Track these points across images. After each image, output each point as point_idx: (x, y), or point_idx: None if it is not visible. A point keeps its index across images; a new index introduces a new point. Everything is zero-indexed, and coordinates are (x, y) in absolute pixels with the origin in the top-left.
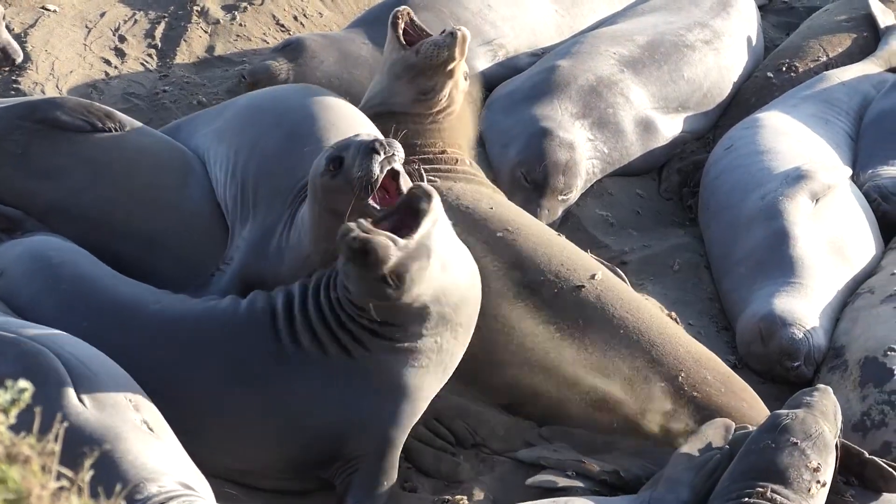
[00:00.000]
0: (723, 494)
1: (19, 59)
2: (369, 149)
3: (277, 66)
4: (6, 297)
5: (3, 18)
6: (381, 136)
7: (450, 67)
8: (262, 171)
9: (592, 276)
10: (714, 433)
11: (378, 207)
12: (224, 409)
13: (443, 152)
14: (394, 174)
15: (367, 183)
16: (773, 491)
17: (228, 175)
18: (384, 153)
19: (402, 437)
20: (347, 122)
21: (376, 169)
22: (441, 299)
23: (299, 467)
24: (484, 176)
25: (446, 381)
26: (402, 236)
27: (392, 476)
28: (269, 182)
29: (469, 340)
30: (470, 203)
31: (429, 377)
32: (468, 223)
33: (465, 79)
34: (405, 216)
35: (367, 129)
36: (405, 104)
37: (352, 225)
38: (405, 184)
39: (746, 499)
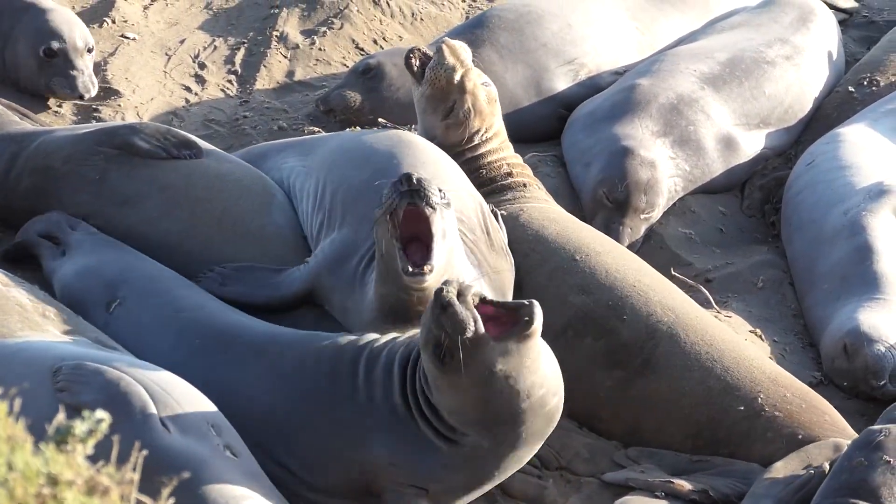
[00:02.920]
0: None
1: (87, 95)
2: (395, 181)
3: (352, 95)
4: (125, 325)
5: (91, 52)
6: (419, 175)
7: (457, 80)
8: (349, 199)
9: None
10: (817, 453)
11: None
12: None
13: (509, 174)
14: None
15: (389, 212)
16: None
17: (316, 206)
18: (408, 186)
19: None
20: (432, 162)
21: (394, 198)
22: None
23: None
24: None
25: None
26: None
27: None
28: (355, 208)
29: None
30: (540, 227)
31: (491, 468)
32: (541, 248)
33: (486, 86)
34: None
35: (449, 168)
36: (441, 137)
37: (454, 287)
38: (433, 224)
39: None
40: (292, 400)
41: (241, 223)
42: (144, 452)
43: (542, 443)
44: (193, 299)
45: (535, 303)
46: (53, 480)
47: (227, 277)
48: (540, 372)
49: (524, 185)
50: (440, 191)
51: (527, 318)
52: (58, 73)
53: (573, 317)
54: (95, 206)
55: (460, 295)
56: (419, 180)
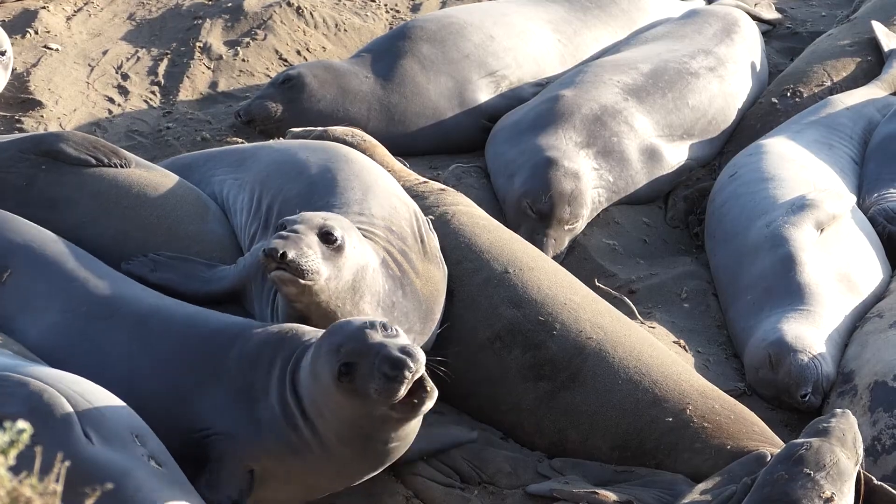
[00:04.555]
0: None
1: None
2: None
3: (273, 106)
4: (18, 293)
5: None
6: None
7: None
8: (284, 211)
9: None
10: (740, 470)
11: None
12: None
13: (424, 183)
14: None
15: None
16: None
17: (251, 216)
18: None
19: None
20: (366, 173)
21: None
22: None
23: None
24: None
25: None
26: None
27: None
28: None
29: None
30: (472, 235)
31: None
32: (474, 257)
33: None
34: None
35: (381, 179)
36: None
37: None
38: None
39: None
40: (153, 367)
41: (178, 229)
42: (67, 463)
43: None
44: (86, 269)
45: (435, 392)
46: None
47: (159, 264)
48: (405, 433)
49: (441, 190)
50: (329, 234)
51: (426, 401)
52: None
53: (503, 329)
54: (23, 212)
55: (415, 360)
56: (289, 261)
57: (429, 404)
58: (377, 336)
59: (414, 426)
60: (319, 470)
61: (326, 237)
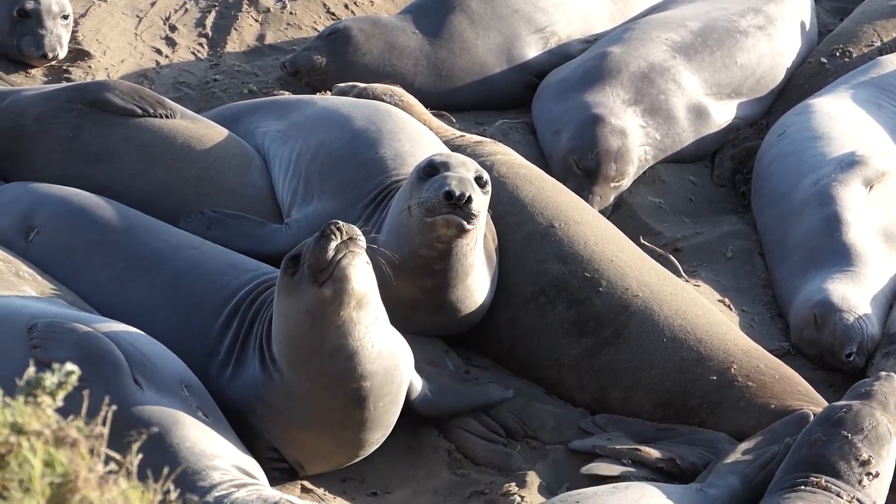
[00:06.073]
0: (777, 485)
1: (52, 55)
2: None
3: (319, 58)
4: (47, 251)
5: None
6: (467, 191)
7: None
8: (328, 163)
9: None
10: (783, 430)
11: None
12: None
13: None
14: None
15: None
16: (826, 481)
17: (290, 172)
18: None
19: None
20: (410, 127)
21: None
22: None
23: None
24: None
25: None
26: None
27: None
28: (334, 173)
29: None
30: (514, 188)
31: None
32: (517, 210)
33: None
34: None
35: (425, 136)
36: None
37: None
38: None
39: (802, 486)
40: (186, 325)
41: (220, 181)
42: (114, 407)
43: (363, 424)
44: (117, 221)
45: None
46: (20, 431)
47: (215, 222)
48: (352, 340)
49: (478, 142)
50: (481, 178)
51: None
52: (27, 33)
53: (547, 283)
54: (68, 164)
55: (351, 241)
56: (468, 197)
57: (355, 270)
58: None
59: (359, 347)
60: (301, 422)
61: (479, 181)
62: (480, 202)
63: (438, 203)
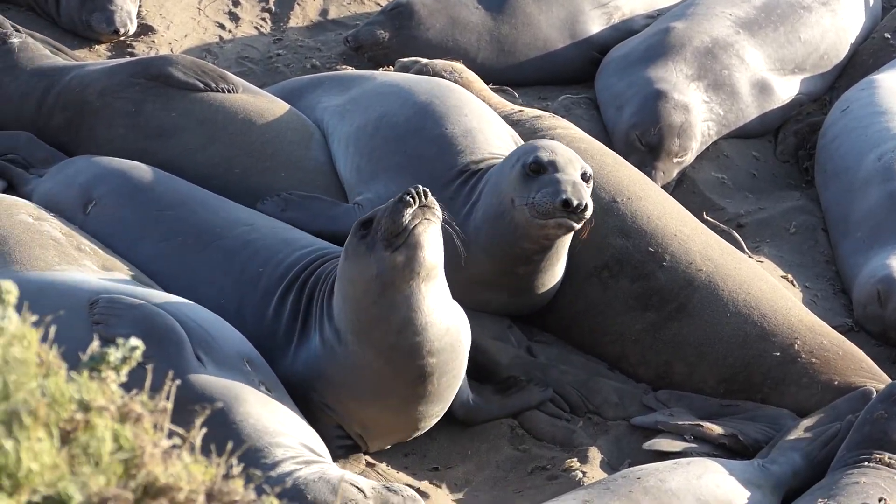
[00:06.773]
0: (840, 462)
1: (123, 31)
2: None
3: (382, 32)
4: (105, 224)
5: None
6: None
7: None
8: (392, 136)
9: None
10: (846, 407)
11: None
12: None
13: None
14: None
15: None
16: (889, 458)
17: (351, 147)
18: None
19: None
20: (471, 103)
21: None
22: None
23: None
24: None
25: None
26: None
27: None
28: (400, 151)
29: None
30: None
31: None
32: None
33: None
34: None
35: (487, 113)
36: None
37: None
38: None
39: (865, 463)
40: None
41: (281, 155)
42: (178, 382)
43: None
44: (174, 196)
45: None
46: (86, 407)
47: (290, 203)
48: (421, 315)
49: (536, 117)
50: (586, 174)
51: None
52: (97, 9)
53: (611, 258)
54: (130, 139)
55: (427, 208)
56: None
57: (428, 238)
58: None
59: (427, 322)
60: (364, 396)
61: (584, 177)
62: (591, 204)
63: (554, 209)
